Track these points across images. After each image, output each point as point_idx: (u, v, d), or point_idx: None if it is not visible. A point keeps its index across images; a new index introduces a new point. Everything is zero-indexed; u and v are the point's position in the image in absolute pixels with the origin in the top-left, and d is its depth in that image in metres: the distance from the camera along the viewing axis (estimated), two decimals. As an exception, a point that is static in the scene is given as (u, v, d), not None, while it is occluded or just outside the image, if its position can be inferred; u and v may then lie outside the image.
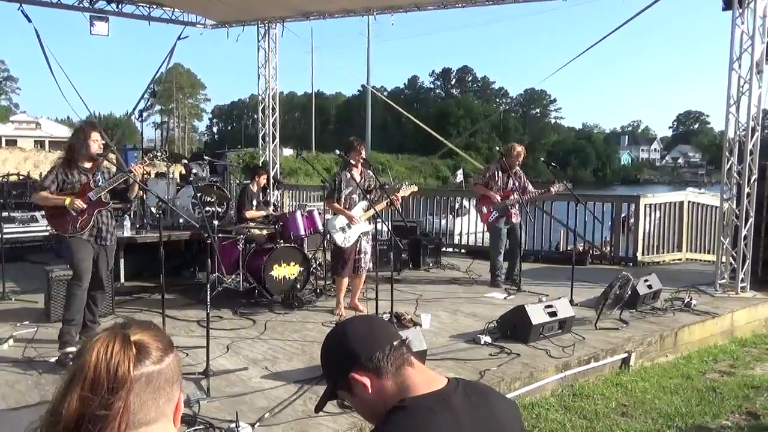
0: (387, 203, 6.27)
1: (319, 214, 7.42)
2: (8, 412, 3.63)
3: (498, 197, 7.64)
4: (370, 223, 6.47)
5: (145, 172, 5.39)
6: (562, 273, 7.90)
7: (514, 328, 5.49)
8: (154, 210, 8.11)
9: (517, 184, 7.70)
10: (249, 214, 7.79)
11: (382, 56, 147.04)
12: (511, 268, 7.94)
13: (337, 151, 6.62)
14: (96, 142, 4.96)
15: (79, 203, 4.83)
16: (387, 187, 6.44)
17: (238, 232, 7.15)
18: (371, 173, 6.56)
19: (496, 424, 1.40)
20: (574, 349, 5.22)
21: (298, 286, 6.90)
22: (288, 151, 40.87)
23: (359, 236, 6.34)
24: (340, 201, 6.30)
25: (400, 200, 6.43)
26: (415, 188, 6.90)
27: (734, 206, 7.44)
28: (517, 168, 7.83)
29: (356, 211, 6.31)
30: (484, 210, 7.77)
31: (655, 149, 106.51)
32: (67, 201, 4.82)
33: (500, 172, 7.76)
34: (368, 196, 6.30)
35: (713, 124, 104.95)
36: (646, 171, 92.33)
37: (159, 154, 5.40)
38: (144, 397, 1.04)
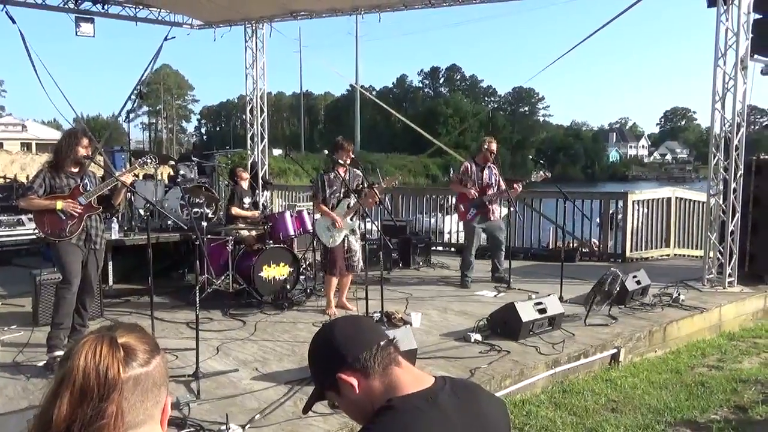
0: (371, 201, 6.30)
1: (309, 214, 7.41)
2: (-4, 417, 3.59)
3: (474, 193, 7.62)
4: (354, 220, 6.48)
5: (133, 179, 5.35)
6: (551, 270, 7.93)
7: (504, 325, 5.50)
8: (142, 212, 8.07)
9: (494, 180, 7.70)
10: (235, 210, 7.77)
11: (371, 55, 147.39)
12: (494, 267, 7.92)
13: (326, 151, 6.63)
14: (85, 149, 4.94)
15: (73, 206, 4.80)
16: (376, 186, 6.44)
17: (227, 233, 7.12)
18: (359, 172, 6.57)
19: (484, 422, 1.41)
20: (563, 345, 5.24)
21: (288, 286, 6.89)
22: (277, 152, 40.74)
23: (345, 235, 6.35)
24: (326, 201, 6.31)
25: (380, 195, 6.44)
26: (395, 180, 6.91)
27: (721, 202, 7.50)
28: (493, 164, 7.77)
29: (339, 210, 6.33)
30: (461, 208, 7.73)
31: (643, 146, 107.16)
32: (59, 205, 4.78)
33: (475, 168, 7.73)
34: (354, 195, 6.30)
35: (700, 120, 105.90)
36: (634, 168, 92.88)
37: (150, 161, 5.35)
38: (132, 399, 1.04)
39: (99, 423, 1.00)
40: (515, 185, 7.69)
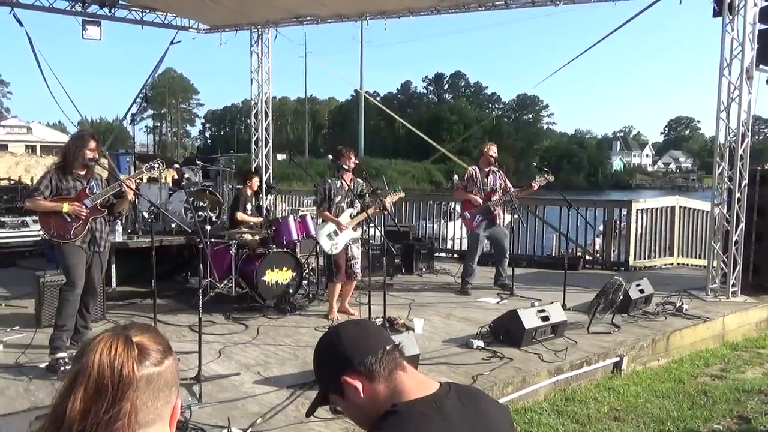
0: (376, 209, 6.29)
1: (312, 218, 7.41)
2: (-2, 418, 3.60)
3: (479, 200, 7.59)
4: (356, 230, 6.48)
5: (138, 183, 5.37)
6: (554, 277, 7.92)
7: (507, 332, 5.49)
8: (146, 215, 8.09)
9: (499, 184, 7.69)
10: (240, 216, 7.78)
11: (375, 61, 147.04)
12: (498, 274, 7.88)
13: (330, 157, 6.63)
14: (92, 151, 4.95)
15: (79, 209, 4.82)
16: (379, 191, 6.44)
17: (230, 237, 7.13)
18: (361, 181, 6.58)
19: (487, 429, 1.41)
20: (566, 353, 5.22)
21: (291, 291, 6.88)
22: (281, 156, 40.75)
23: (347, 243, 6.35)
24: (330, 209, 6.32)
25: (388, 206, 6.44)
26: (402, 194, 6.91)
27: (725, 211, 7.49)
28: (495, 168, 7.75)
29: (343, 217, 6.33)
30: (467, 215, 7.68)
31: (646, 155, 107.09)
32: (65, 207, 4.79)
33: (479, 174, 7.71)
34: (358, 202, 6.30)
35: (704, 129, 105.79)
36: (638, 176, 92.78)
37: (156, 165, 5.36)
38: (144, 398, 1.05)
39: (115, 424, 1.00)
40: (533, 184, 7.63)
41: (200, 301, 4.53)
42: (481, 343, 5.39)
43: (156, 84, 71.93)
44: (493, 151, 7.72)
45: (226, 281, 6.89)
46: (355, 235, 6.46)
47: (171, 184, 9.56)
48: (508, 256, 7.85)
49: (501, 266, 7.85)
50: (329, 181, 6.44)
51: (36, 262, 8.74)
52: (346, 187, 6.31)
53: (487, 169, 7.70)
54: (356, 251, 6.45)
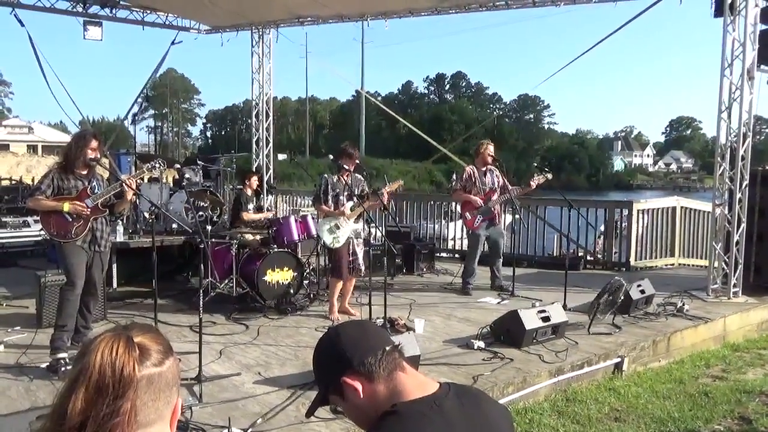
0: (375, 200, 6.29)
1: (313, 218, 7.42)
2: (-1, 418, 3.60)
3: (479, 200, 7.55)
4: (358, 222, 6.46)
5: (138, 183, 5.37)
6: (555, 278, 7.91)
7: (507, 333, 5.49)
8: (146, 215, 8.09)
9: (496, 183, 7.67)
10: (247, 216, 7.75)
11: (376, 62, 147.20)
12: (493, 276, 7.81)
13: (331, 156, 6.64)
14: (93, 151, 4.96)
15: (80, 209, 4.82)
16: (380, 192, 6.43)
17: (231, 237, 7.13)
18: (361, 177, 6.57)
19: (487, 429, 1.40)
20: (567, 354, 5.22)
21: (292, 291, 6.89)
22: (282, 156, 40.75)
23: (349, 237, 6.34)
24: (328, 203, 6.32)
25: (387, 196, 6.42)
26: (400, 182, 6.89)
27: (726, 212, 7.48)
28: (493, 167, 7.71)
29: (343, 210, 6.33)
30: (468, 216, 7.64)
31: (648, 155, 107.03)
32: (66, 206, 4.80)
33: (477, 173, 7.67)
34: (358, 198, 6.30)
35: (705, 129, 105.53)
36: (639, 176, 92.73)
37: (157, 165, 5.36)
38: (145, 398, 1.05)
39: (113, 420, 1.01)
40: (531, 182, 7.58)
41: (201, 302, 4.53)
42: (481, 344, 5.39)
43: (157, 84, 72.04)
44: (490, 150, 7.68)
45: (226, 281, 6.89)
46: (357, 228, 6.44)
47: (172, 184, 9.57)
48: (502, 256, 7.81)
49: (496, 267, 7.79)
50: (326, 176, 6.46)
51: (37, 261, 8.75)
52: (344, 182, 6.31)
53: (484, 168, 7.68)
54: (356, 247, 6.44)
